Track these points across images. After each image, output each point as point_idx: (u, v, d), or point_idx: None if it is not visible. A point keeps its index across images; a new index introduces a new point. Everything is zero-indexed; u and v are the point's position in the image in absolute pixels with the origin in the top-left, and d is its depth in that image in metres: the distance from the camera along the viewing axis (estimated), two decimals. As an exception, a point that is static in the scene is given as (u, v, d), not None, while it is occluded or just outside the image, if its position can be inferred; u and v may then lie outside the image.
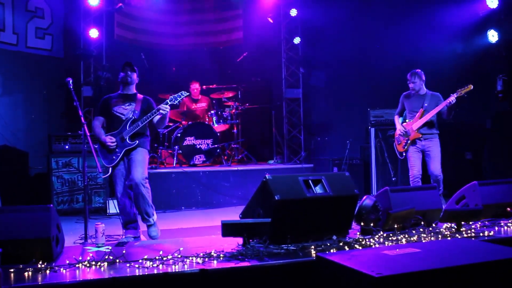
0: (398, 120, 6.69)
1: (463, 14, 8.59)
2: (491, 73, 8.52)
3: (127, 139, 5.07)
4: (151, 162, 8.66)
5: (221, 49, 10.53)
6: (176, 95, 5.14)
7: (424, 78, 6.43)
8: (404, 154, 6.53)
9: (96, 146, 5.13)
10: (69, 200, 7.20)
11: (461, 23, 8.62)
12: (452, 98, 6.07)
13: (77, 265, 3.38)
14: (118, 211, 5.19)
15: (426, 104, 6.34)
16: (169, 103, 5.05)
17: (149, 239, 5.07)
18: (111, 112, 5.17)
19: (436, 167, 6.31)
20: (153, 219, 5.04)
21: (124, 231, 5.14)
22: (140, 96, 5.31)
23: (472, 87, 6.09)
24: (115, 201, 7.13)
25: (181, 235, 5.53)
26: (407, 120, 6.56)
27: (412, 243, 3.89)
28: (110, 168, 5.08)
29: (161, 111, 4.98)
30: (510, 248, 3.07)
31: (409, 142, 6.43)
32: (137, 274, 3.19)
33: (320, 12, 9.45)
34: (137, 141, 5.09)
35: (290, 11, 9.76)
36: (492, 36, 8.20)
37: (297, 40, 9.89)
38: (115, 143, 5.05)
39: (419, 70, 6.44)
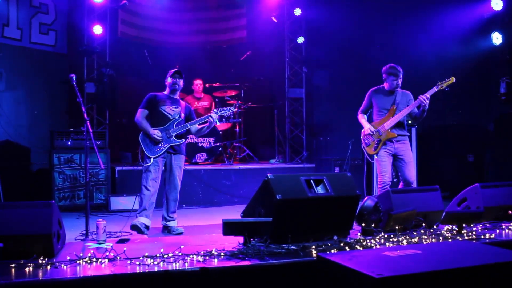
0: (365, 119, 5.93)
1: (467, 16, 8.57)
2: (494, 75, 8.51)
3: (173, 137, 5.50)
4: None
5: (225, 47, 10.53)
6: (225, 108, 5.81)
7: None
8: (375, 156, 5.78)
9: (139, 136, 5.51)
10: (71, 196, 7.21)
11: (466, 25, 8.60)
12: (427, 96, 5.49)
13: (78, 261, 3.39)
14: (140, 199, 5.50)
15: (398, 102, 5.72)
16: (219, 113, 5.71)
17: (150, 237, 5.08)
18: (158, 109, 5.56)
19: (411, 172, 5.67)
20: (176, 217, 5.59)
21: (137, 216, 5.35)
22: (182, 102, 5.78)
23: (454, 79, 5.50)
24: (117, 198, 7.20)
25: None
26: (374, 120, 5.90)
27: (413, 244, 3.90)
28: (152, 158, 5.42)
29: (211, 118, 5.61)
30: (511, 251, 3.06)
31: (381, 143, 5.72)
32: (137, 271, 3.19)
33: (324, 12, 9.44)
34: (183, 140, 5.58)
35: (294, 10, 9.75)
36: (496, 38, 8.19)
37: (300, 40, 9.89)
38: (161, 137, 5.44)
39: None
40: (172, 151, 5.50)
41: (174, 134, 5.49)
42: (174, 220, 5.51)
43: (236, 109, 6.00)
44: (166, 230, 5.46)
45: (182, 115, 5.63)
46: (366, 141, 5.88)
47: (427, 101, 5.49)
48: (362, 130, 5.92)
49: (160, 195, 5.67)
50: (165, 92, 5.70)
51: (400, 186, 5.76)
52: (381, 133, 5.72)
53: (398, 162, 5.71)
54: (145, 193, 5.39)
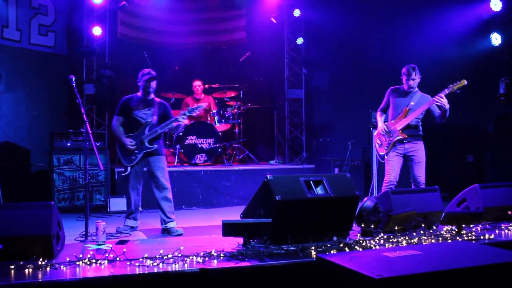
0: (380, 118, 6.04)
1: (466, 17, 8.58)
2: (493, 76, 8.52)
3: (146, 143, 5.47)
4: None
5: (224, 48, 10.52)
6: (194, 107, 5.64)
7: (420, 76, 5.87)
8: (385, 156, 5.86)
9: (116, 145, 5.63)
10: (70, 198, 7.21)
11: (464, 26, 8.61)
12: (441, 95, 5.53)
13: (77, 263, 3.39)
14: (126, 203, 5.65)
15: (412, 103, 5.74)
16: (187, 114, 5.58)
17: (149, 238, 5.08)
18: (131, 115, 5.53)
19: (420, 173, 5.69)
20: (174, 218, 5.55)
21: (124, 220, 5.54)
22: (157, 99, 5.69)
23: (466, 82, 5.55)
24: (116, 199, 7.20)
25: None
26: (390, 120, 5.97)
27: (413, 245, 3.90)
28: (129, 167, 5.49)
29: (178, 121, 5.49)
30: (510, 252, 3.07)
31: (391, 143, 5.79)
32: (137, 273, 3.19)
33: (323, 13, 9.45)
34: (156, 146, 5.52)
35: (294, 11, 9.74)
36: (495, 39, 8.20)
37: (300, 41, 9.88)
38: (135, 146, 5.47)
39: (416, 66, 5.86)
40: (149, 155, 5.49)
41: (146, 140, 5.46)
42: (172, 221, 5.48)
43: (204, 107, 5.88)
44: (166, 232, 5.46)
45: (155, 117, 5.55)
46: (378, 141, 5.98)
47: (443, 100, 5.52)
48: (376, 130, 6.02)
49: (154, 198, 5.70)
50: (139, 94, 5.63)
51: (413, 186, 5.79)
52: (392, 134, 5.79)
53: (409, 162, 5.77)
54: (130, 196, 5.52)
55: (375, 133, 6.09)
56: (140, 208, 5.67)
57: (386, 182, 5.75)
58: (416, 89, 5.87)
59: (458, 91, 5.60)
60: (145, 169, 5.59)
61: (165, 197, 5.50)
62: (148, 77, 5.53)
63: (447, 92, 5.59)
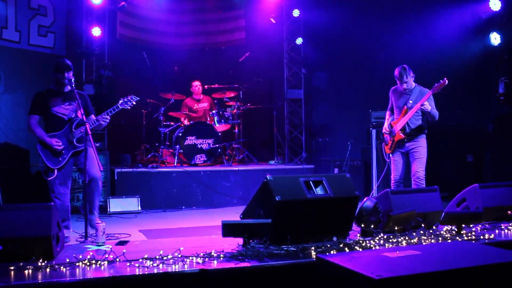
0: (387, 117, 6.26)
1: (465, 17, 8.59)
2: (493, 75, 8.53)
3: (75, 142, 5.08)
4: (152, 161, 8.67)
5: (223, 49, 10.53)
6: (126, 99, 5.22)
7: (413, 74, 5.97)
8: (390, 155, 6.09)
9: (37, 147, 5.10)
10: (70, 198, 7.19)
11: (464, 26, 8.62)
12: (422, 102, 5.72)
13: (77, 264, 3.39)
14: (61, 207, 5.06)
15: (411, 101, 5.89)
16: (110, 114, 5.13)
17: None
18: (49, 112, 5.09)
19: (420, 168, 5.83)
20: (98, 212, 5.22)
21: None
22: (80, 94, 5.20)
23: (447, 81, 5.63)
24: (116, 200, 7.20)
25: (181, 235, 5.53)
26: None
27: (413, 245, 3.89)
28: (56, 170, 5.03)
29: (101, 122, 5.11)
30: (510, 252, 3.07)
31: (394, 143, 6.03)
32: (137, 274, 3.19)
33: (322, 13, 9.46)
34: (84, 144, 4.96)
35: (293, 11, 9.75)
36: (495, 38, 8.21)
37: (299, 41, 9.89)
38: (62, 146, 5.05)
39: (407, 66, 5.95)
40: (77, 153, 5.08)
41: (75, 139, 5.06)
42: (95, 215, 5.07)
43: (130, 105, 5.31)
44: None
45: (79, 112, 5.00)
46: (385, 140, 6.23)
47: (424, 106, 5.76)
48: (383, 128, 6.28)
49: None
50: (52, 87, 5.22)
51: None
52: (394, 133, 6.05)
53: (410, 158, 6.00)
54: (59, 206, 4.96)
55: (383, 131, 6.27)
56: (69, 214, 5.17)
57: (392, 180, 6.05)
58: (414, 85, 6.01)
59: (441, 91, 5.78)
60: (74, 168, 5.25)
61: (93, 186, 5.06)
62: (61, 66, 5.05)
63: (431, 93, 5.80)
